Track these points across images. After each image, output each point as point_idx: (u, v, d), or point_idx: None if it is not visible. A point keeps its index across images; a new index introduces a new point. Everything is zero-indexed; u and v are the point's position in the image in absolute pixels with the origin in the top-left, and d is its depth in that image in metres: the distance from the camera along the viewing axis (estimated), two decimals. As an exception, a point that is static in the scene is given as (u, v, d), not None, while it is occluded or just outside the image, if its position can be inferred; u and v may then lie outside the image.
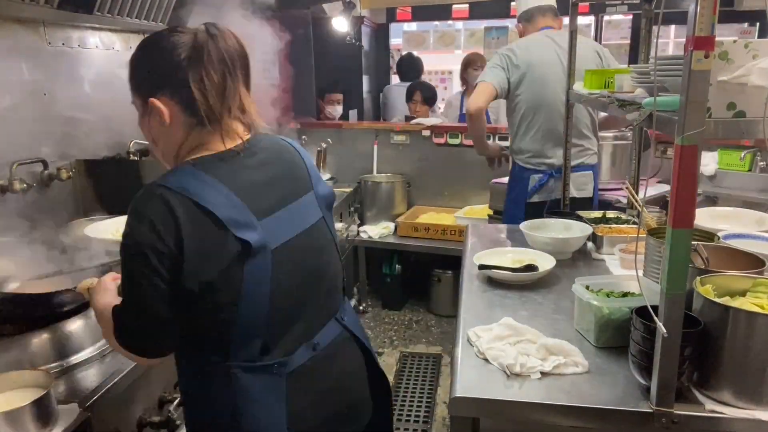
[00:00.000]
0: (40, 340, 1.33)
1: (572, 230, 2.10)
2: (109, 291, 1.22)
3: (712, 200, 2.91)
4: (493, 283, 1.79)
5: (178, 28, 1.12)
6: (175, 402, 1.55)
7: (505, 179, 3.56)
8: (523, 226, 2.11)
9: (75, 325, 1.39)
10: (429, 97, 4.70)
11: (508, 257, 1.91)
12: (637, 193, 2.25)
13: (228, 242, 1.02)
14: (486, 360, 1.32)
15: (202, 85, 1.07)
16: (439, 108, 5.61)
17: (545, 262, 1.82)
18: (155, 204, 1.01)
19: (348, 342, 1.29)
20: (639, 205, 1.99)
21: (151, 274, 1.00)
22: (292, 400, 1.12)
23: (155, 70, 1.10)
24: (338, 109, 4.77)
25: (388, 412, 1.40)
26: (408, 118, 4.65)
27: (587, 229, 2.05)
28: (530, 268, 1.78)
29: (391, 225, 4.04)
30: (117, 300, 1.16)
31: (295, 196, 1.18)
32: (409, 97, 4.74)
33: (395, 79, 5.99)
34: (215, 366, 1.09)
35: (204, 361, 1.10)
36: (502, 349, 1.33)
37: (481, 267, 1.80)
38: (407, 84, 4.97)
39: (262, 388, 1.09)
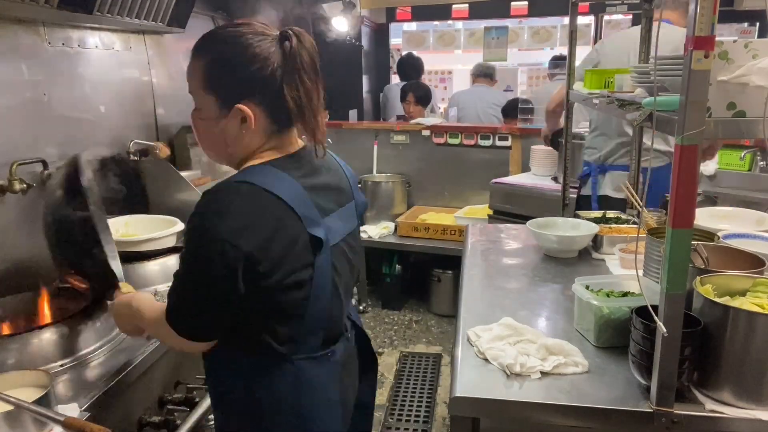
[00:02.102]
0: (40, 340, 1.33)
1: (579, 229, 2.10)
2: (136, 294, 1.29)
3: (712, 200, 2.91)
4: (494, 283, 1.79)
5: (259, 29, 1.08)
6: (180, 399, 1.55)
7: (506, 179, 3.56)
8: (530, 224, 2.11)
9: (75, 326, 1.39)
10: (422, 96, 4.70)
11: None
12: (637, 193, 2.24)
13: (303, 239, 1.05)
14: (486, 360, 1.32)
15: (296, 94, 1.06)
16: (440, 108, 5.62)
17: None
18: (241, 200, 1.01)
19: (351, 327, 1.36)
20: (639, 205, 1.99)
21: (227, 270, 1.00)
22: (340, 386, 1.21)
23: (247, 75, 1.06)
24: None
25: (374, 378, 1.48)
26: (400, 118, 4.66)
27: (594, 228, 2.05)
28: None
29: (391, 225, 4.04)
30: (148, 297, 1.25)
31: (342, 203, 1.23)
32: (403, 98, 4.74)
33: (395, 79, 5.99)
34: (279, 359, 1.11)
35: (266, 355, 1.11)
36: (501, 348, 1.33)
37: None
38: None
39: (322, 377, 1.16)
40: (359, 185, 4.27)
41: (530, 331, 1.39)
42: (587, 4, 4.72)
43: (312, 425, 1.16)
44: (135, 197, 2.15)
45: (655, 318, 1.07)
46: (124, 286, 1.41)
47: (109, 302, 1.31)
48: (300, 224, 1.05)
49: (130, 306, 1.24)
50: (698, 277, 1.20)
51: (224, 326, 1.10)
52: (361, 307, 4.05)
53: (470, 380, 1.26)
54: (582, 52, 2.77)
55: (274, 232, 1.02)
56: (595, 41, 5.69)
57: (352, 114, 5.12)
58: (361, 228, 3.96)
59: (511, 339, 1.37)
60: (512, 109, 4.46)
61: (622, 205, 2.56)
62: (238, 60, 1.06)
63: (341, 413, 1.22)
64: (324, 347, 1.17)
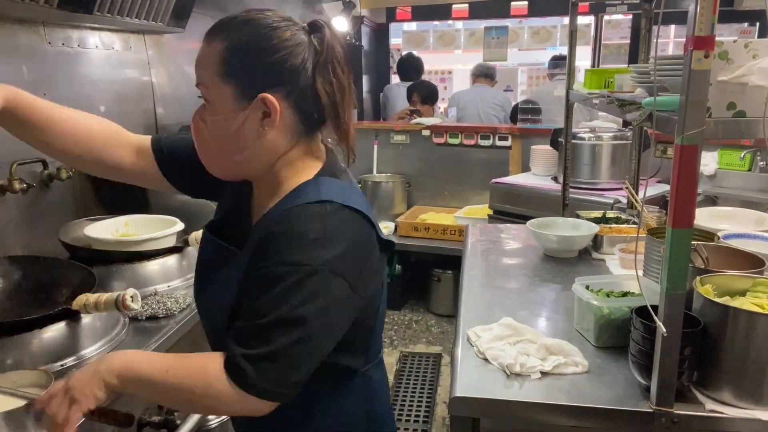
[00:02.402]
0: (40, 340, 1.33)
1: (579, 229, 2.10)
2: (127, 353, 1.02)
3: (712, 200, 2.91)
4: (494, 283, 1.79)
5: (285, 15, 0.97)
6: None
7: (506, 179, 3.56)
8: (530, 224, 2.12)
9: (75, 326, 1.39)
10: (427, 95, 4.69)
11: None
12: (637, 192, 2.25)
13: (377, 248, 0.99)
14: (486, 360, 1.32)
15: (330, 89, 0.95)
16: (439, 108, 5.61)
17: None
18: (332, 222, 0.89)
19: None
20: (639, 205, 1.99)
21: (348, 302, 0.91)
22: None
23: (276, 61, 0.92)
24: None
25: None
26: (413, 111, 4.65)
27: (594, 228, 2.05)
28: None
29: (391, 225, 4.04)
30: (148, 355, 1.03)
31: None
32: (409, 98, 4.74)
33: (395, 79, 5.99)
34: (351, 375, 1.04)
35: (339, 375, 1.02)
36: (501, 348, 1.33)
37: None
38: (407, 84, 4.97)
39: (383, 378, 1.14)
40: (359, 184, 4.29)
41: (530, 331, 1.39)
42: (587, 4, 4.72)
43: (385, 427, 1.14)
44: (135, 197, 2.15)
45: (655, 318, 1.07)
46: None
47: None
48: (377, 233, 0.98)
49: (130, 370, 0.93)
50: (698, 277, 1.20)
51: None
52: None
53: (470, 380, 1.26)
54: (582, 52, 2.77)
55: (369, 252, 0.95)
56: (596, 41, 5.71)
57: (352, 114, 5.11)
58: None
59: (511, 339, 1.37)
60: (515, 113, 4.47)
61: None
62: (263, 44, 0.92)
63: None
64: (379, 352, 1.12)
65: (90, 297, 1.35)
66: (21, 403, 1.08)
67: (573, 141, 2.93)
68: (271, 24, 0.93)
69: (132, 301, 1.35)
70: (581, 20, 4.82)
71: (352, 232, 0.92)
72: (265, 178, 1.00)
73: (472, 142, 4.11)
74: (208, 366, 0.89)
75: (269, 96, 0.92)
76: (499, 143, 4.05)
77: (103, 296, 1.35)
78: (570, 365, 1.27)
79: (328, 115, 0.97)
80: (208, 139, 0.98)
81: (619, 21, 5.71)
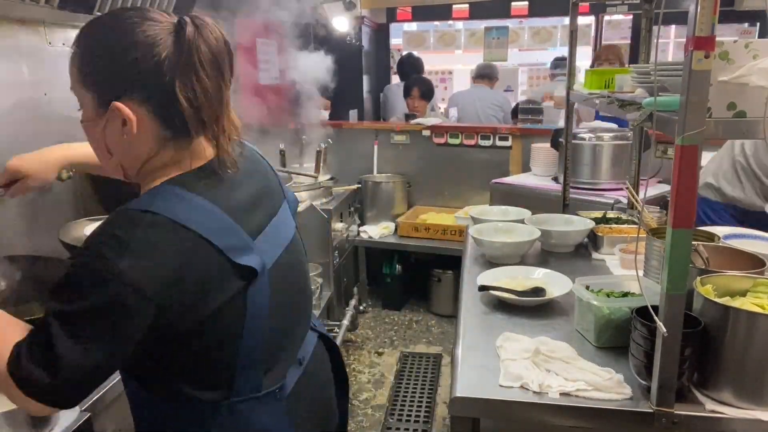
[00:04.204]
0: (40, 340, 1.32)
1: (574, 224, 2.12)
2: None
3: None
4: (494, 283, 1.79)
5: (150, 14, 0.90)
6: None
7: (506, 179, 3.56)
8: (528, 219, 2.14)
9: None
10: (426, 91, 4.70)
11: (517, 279, 1.73)
12: (637, 193, 2.24)
13: (228, 271, 0.89)
14: (487, 360, 1.32)
15: (192, 93, 0.88)
16: (440, 108, 5.62)
17: (556, 287, 1.64)
18: (143, 234, 0.84)
19: (318, 341, 1.22)
20: (639, 205, 1.99)
21: (126, 318, 0.82)
22: (294, 421, 1.05)
23: (126, 66, 0.87)
24: (323, 114, 4.75)
25: (345, 389, 1.34)
26: (407, 116, 4.65)
27: (588, 224, 2.06)
28: (537, 291, 1.64)
29: (392, 225, 4.04)
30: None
31: (275, 209, 1.06)
32: (407, 93, 4.74)
33: (395, 79, 5.99)
34: (215, 406, 0.95)
35: (198, 403, 0.95)
36: (525, 367, 1.26)
37: (482, 288, 1.65)
38: (407, 84, 4.97)
39: (268, 418, 1.00)
40: (359, 185, 4.28)
41: (563, 349, 1.33)
42: (587, 4, 4.72)
43: None
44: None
45: (655, 318, 1.07)
46: None
47: None
48: (220, 256, 0.87)
49: None
50: (698, 278, 1.20)
51: (94, 387, 0.88)
52: (361, 307, 4.05)
53: (470, 380, 1.26)
54: (583, 52, 2.77)
55: (186, 271, 0.85)
56: (596, 41, 5.71)
57: (353, 114, 5.12)
58: (361, 228, 4.02)
59: (537, 358, 1.29)
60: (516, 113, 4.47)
61: None
62: (116, 47, 0.87)
63: None
64: (266, 384, 0.99)
65: None
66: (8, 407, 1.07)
67: (573, 141, 2.93)
68: (127, 26, 0.88)
69: None
70: (581, 20, 4.82)
71: (167, 246, 0.84)
72: (138, 179, 0.98)
73: (473, 142, 4.11)
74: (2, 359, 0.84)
75: (120, 105, 0.88)
76: (499, 143, 4.05)
77: None
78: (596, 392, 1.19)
79: (190, 123, 0.90)
80: (90, 142, 0.98)
81: (619, 21, 5.72)
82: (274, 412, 1.01)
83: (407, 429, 2.77)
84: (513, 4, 5.59)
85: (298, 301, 1.12)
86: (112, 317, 0.82)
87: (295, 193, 1.30)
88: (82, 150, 1.27)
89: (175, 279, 0.84)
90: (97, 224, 1.90)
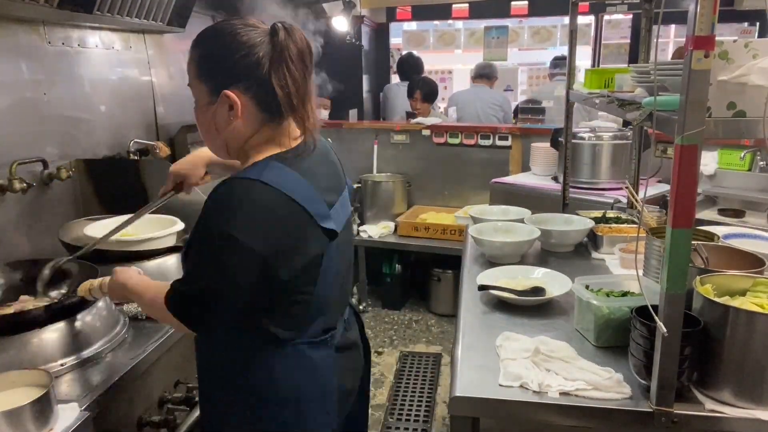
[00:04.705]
0: (39, 339, 1.33)
1: (573, 224, 2.12)
2: (131, 272, 1.30)
3: (712, 200, 2.90)
4: (493, 282, 1.79)
5: (250, 22, 1.14)
6: (180, 398, 1.55)
7: (506, 179, 3.56)
8: (528, 219, 2.14)
9: (75, 325, 1.39)
10: (429, 93, 4.69)
11: (517, 279, 1.74)
12: (636, 192, 2.24)
13: (316, 232, 1.11)
14: (487, 360, 1.32)
15: (284, 83, 1.09)
16: (440, 107, 5.61)
17: (555, 287, 1.65)
18: (255, 198, 1.05)
19: (351, 313, 1.42)
20: (639, 205, 1.99)
21: (240, 265, 1.05)
22: (336, 368, 1.24)
23: (233, 62, 1.10)
24: (323, 114, 4.74)
25: (368, 367, 1.51)
26: (409, 114, 4.65)
27: (588, 223, 2.06)
28: (537, 291, 1.64)
29: (391, 225, 4.04)
30: (143, 278, 1.27)
31: (341, 191, 1.28)
32: (410, 94, 4.74)
33: (395, 78, 5.99)
34: (281, 345, 1.16)
35: (269, 342, 1.16)
36: (525, 366, 1.27)
37: (482, 288, 1.66)
38: (407, 83, 4.97)
39: (320, 361, 1.20)
40: (359, 184, 4.28)
41: (563, 349, 1.33)
42: (587, 3, 4.72)
43: (307, 409, 1.19)
44: (135, 197, 2.15)
45: (655, 318, 1.07)
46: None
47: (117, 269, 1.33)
48: (310, 220, 1.09)
49: (125, 288, 1.27)
50: (698, 277, 1.20)
51: (226, 318, 1.14)
52: (361, 307, 4.05)
53: (470, 380, 1.26)
54: (582, 52, 2.77)
55: (286, 231, 1.07)
56: (596, 41, 5.70)
57: (352, 114, 5.11)
58: (361, 228, 4.02)
59: (537, 357, 1.29)
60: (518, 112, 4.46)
61: None
62: (225, 48, 1.11)
63: (336, 399, 1.25)
64: (324, 332, 1.21)
65: (94, 282, 1.36)
66: (8, 407, 1.07)
67: (573, 141, 2.93)
68: (232, 31, 1.11)
69: None
70: (581, 20, 4.82)
71: (270, 207, 1.05)
72: (240, 156, 1.19)
73: (472, 141, 4.11)
74: (160, 294, 1.15)
75: (229, 92, 1.10)
76: (499, 143, 4.05)
77: (107, 279, 1.34)
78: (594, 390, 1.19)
79: (283, 106, 1.11)
80: (200, 126, 1.20)
81: (619, 21, 5.71)
82: (324, 356, 1.21)
83: (407, 428, 2.77)
84: (513, 3, 5.59)
85: (348, 268, 1.35)
86: (229, 272, 1.05)
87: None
88: None
89: (279, 237, 1.06)
90: (96, 224, 1.91)
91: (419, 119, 4.40)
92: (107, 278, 1.35)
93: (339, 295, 1.27)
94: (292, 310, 1.15)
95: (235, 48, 1.10)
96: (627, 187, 2.14)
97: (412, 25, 6.61)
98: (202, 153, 1.55)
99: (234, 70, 1.10)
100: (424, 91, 4.66)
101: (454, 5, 5.66)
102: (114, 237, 1.87)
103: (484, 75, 5.10)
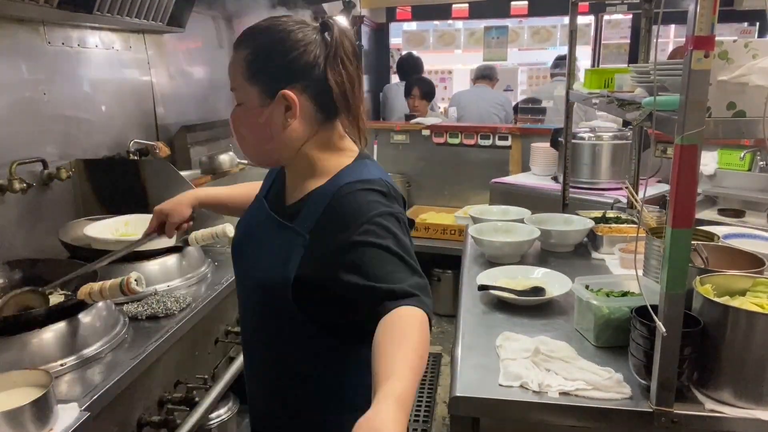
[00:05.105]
0: (40, 339, 1.33)
1: (573, 224, 2.12)
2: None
3: (712, 200, 2.91)
4: (493, 282, 1.79)
5: (298, 19, 1.10)
6: (180, 399, 1.55)
7: (506, 179, 3.56)
8: (528, 219, 2.14)
9: (75, 325, 1.39)
10: (427, 92, 4.69)
11: (516, 279, 1.74)
12: (636, 192, 2.25)
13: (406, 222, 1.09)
14: (487, 360, 1.32)
15: (340, 79, 1.06)
16: (439, 107, 5.62)
17: (555, 287, 1.65)
18: (387, 194, 1.06)
19: None
20: (639, 205, 1.98)
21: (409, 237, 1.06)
22: None
23: (290, 60, 1.05)
24: None
25: None
26: (407, 117, 4.65)
27: (588, 223, 2.06)
28: (537, 291, 1.64)
29: (391, 225, 4.04)
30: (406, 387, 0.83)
31: None
32: (408, 93, 4.74)
33: (395, 78, 5.99)
34: (353, 345, 1.10)
35: (349, 340, 1.11)
36: (525, 366, 1.27)
37: (481, 288, 1.66)
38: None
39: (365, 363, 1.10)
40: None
41: (563, 349, 1.33)
42: (587, 3, 4.72)
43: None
44: (135, 197, 2.15)
45: (655, 318, 1.07)
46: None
47: None
48: (404, 209, 1.11)
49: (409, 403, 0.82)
50: (698, 277, 1.20)
51: None
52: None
53: (470, 380, 1.26)
54: (582, 52, 2.78)
55: (404, 221, 1.07)
56: (596, 41, 5.70)
57: (352, 114, 5.11)
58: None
59: (537, 357, 1.29)
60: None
61: None
62: (279, 47, 1.06)
63: None
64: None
65: (94, 285, 1.36)
66: (8, 407, 1.07)
67: (573, 141, 2.93)
68: (285, 29, 1.06)
69: (137, 284, 1.34)
70: (581, 20, 4.82)
71: (396, 201, 1.07)
72: (296, 161, 1.13)
73: (472, 141, 4.11)
74: (415, 322, 0.90)
75: (288, 92, 1.05)
76: (499, 143, 4.05)
77: (107, 282, 1.34)
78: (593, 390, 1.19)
79: (339, 103, 1.08)
80: (244, 134, 1.13)
81: (619, 21, 5.71)
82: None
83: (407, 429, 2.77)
84: (513, 3, 5.59)
85: None
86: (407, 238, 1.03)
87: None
88: (206, 191, 1.57)
89: (402, 222, 1.05)
90: (96, 224, 1.91)
91: (419, 119, 4.40)
92: (107, 282, 1.34)
93: None
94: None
95: (290, 46, 1.05)
96: (627, 187, 2.14)
97: (412, 25, 6.61)
98: (189, 194, 1.52)
99: (291, 68, 1.05)
100: (422, 89, 4.66)
101: (454, 5, 5.66)
102: (115, 237, 1.88)
103: (485, 76, 5.10)
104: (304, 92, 1.07)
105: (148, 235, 1.51)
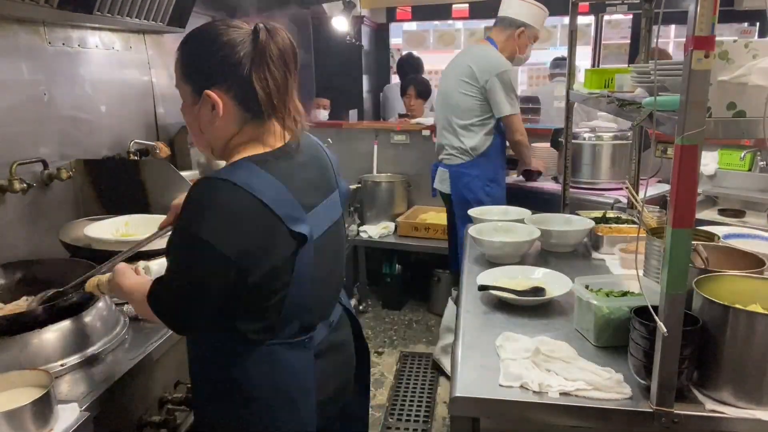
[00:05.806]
0: (40, 339, 1.33)
1: (573, 224, 2.13)
2: (127, 273, 1.29)
3: (712, 200, 2.91)
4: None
5: (233, 23, 1.15)
6: (180, 399, 1.55)
7: (505, 179, 3.55)
8: (528, 219, 2.14)
9: (75, 325, 1.39)
10: (423, 90, 4.70)
11: (516, 279, 1.74)
12: (637, 192, 2.25)
13: (285, 235, 1.10)
14: (487, 360, 1.32)
15: (265, 83, 1.11)
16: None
17: (555, 287, 1.65)
18: (223, 199, 1.06)
19: (343, 312, 1.42)
20: (639, 205, 1.98)
21: (209, 267, 1.07)
22: (317, 374, 1.24)
23: (215, 63, 1.11)
24: (323, 114, 4.73)
25: (367, 368, 1.54)
26: (401, 116, 4.64)
27: (588, 223, 2.06)
28: (537, 291, 1.63)
29: (391, 225, 4.04)
30: (137, 278, 1.27)
31: (328, 192, 1.28)
32: (403, 92, 4.74)
33: (395, 78, 5.99)
34: (255, 345, 1.17)
35: (242, 341, 1.16)
36: (525, 366, 1.27)
37: (482, 288, 1.65)
38: (405, 83, 4.97)
39: (296, 362, 1.20)
40: (358, 185, 4.27)
41: (564, 349, 1.32)
42: (587, 4, 4.72)
43: (282, 410, 1.20)
44: (135, 197, 2.15)
45: (655, 318, 1.07)
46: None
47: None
48: (279, 223, 1.09)
49: (121, 290, 1.28)
50: (698, 277, 1.20)
51: (202, 318, 1.15)
52: (361, 307, 4.05)
53: (470, 380, 1.26)
54: (582, 52, 2.78)
55: (253, 234, 1.07)
56: (596, 41, 5.71)
57: (352, 114, 5.11)
58: (361, 228, 4.02)
59: (537, 358, 1.29)
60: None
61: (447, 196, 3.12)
62: (207, 49, 1.12)
63: (315, 401, 1.24)
64: (301, 333, 1.21)
65: (102, 277, 1.36)
66: (8, 407, 1.07)
67: (573, 141, 2.93)
68: (215, 32, 1.12)
69: (144, 272, 1.35)
70: (581, 20, 4.82)
71: (237, 209, 1.06)
72: (226, 153, 1.19)
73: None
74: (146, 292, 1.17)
75: (211, 92, 1.12)
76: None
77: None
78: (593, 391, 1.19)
79: (264, 105, 1.12)
80: (187, 125, 1.24)
81: (619, 21, 5.71)
82: (301, 358, 1.21)
83: (407, 429, 2.77)
84: (513, 3, 5.57)
85: (333, 272, 1.33)
86: (199, 273, 1.08)
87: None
88: None
89: (246, 238, 1.06)
90: (97, 224, 1.91)
91: (419, 119, 4.40)
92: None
93: (319, 298, 1.26)
94: (263, 312, 1.15)
95: (216, 48, 1.11)
96: (627, 187, 2.14)
97: (412, 26, 6.62)
98: None
99: (215, 70, 1.12)
100: (418, 88, 4.67)
101: (454, 5, 5.66)
102: (115, 237, 1.88)
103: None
104: (228, 92, 1.12)
105: (163, 228, 1.53)
